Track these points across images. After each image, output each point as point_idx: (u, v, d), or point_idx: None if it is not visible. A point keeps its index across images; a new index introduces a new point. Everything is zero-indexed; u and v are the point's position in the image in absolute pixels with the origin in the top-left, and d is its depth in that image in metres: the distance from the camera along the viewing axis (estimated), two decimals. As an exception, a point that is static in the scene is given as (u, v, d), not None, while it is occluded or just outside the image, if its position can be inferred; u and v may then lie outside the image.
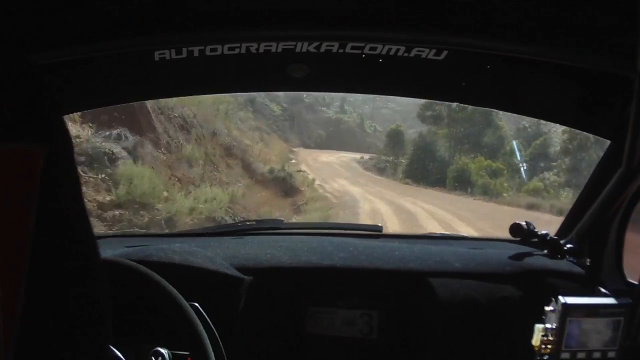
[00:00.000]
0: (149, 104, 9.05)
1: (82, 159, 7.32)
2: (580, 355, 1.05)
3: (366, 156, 24.23)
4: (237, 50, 1.13)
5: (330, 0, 1.02)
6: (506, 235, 1.41)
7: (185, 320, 0.97)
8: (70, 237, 0.45)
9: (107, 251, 1.27)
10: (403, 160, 21.55)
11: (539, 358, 1.07)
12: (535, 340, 1.06)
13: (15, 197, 0.40)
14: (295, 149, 23.33)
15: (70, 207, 0.46)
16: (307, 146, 25.96)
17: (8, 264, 0.40)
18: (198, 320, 0.98)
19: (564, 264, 1.29)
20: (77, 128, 7.68)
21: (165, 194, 8.37)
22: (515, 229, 1.35)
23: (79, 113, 5.95)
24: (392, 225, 10.57)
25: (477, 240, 1.69)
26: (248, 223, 1.63)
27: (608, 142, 1.27)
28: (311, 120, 28.31)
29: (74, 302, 0.45)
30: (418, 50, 1.13)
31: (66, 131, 0.45)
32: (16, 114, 0.42)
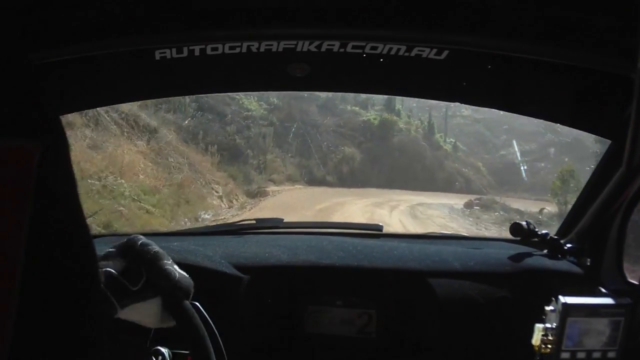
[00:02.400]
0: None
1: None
2: (580, 355, 1.04)
3: (459, 201, 10.72)
4: (237, 50, 1.14)
5: (331, 0, 1.02)
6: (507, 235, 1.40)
7: (185, 319, 0.97)
8: (66, 235, 0.45)
9: (106, 249, 1.26)
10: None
11: (538, 358, 1.07)
12: (535, 340, 1.06)
13: (9, 194, 0.40)
14: (278, 187, 10.92)
15: (66, 205, 0.46)
16: (317, 181, 11.61)
17: (2, 262, 0.40)
18: (199, 319, 0.98)
19: (564, 264, 1.29)
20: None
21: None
22: (515, 228, 1.35)
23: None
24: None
25: (476, 240, 1.68)
26: (248, 222, 1.62)
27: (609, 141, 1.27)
28: (328, 127, 13.46)
29: (69, 300, 0.45)
30: (419, 50, 1.13)
31: (61, 128, 0.45)
32: (11, 110, 0.42)
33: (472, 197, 11.20)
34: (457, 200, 10.90)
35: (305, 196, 10.39)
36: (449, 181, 13.18)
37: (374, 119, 15.09)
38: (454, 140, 15.54)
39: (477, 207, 10.88)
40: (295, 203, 9.78)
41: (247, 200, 10.59)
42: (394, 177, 12.65)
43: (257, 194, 10.86)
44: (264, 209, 9.43)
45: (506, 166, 13.10)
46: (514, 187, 12.05)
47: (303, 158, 12.68)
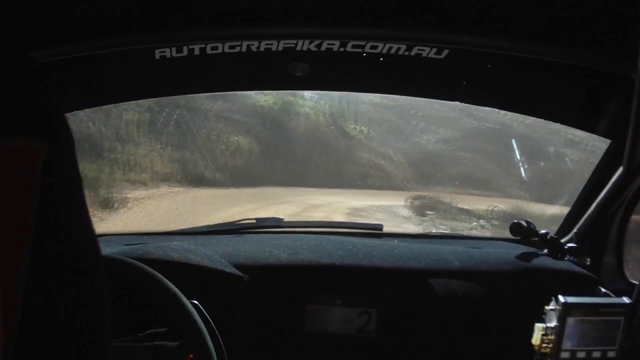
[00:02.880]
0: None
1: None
2: (580, 354, 1.05)
3: (392, 201, 8.35)
4: (237, 49, 1.14)
5: None
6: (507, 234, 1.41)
7: (186, 318, 0.97)
8: (71, 235, 0.45)
9: (107, 249, 1.27)
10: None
11: (538, 357, 1.07)
12: (535, 339, 1.06)
13: (15, 193, 0.40)
14: (146, 192, 6.85)
15: (71, 204, 0.45)
16: (202, 180, 8.04)
17: (8, 262, 0.40)
18: (199, 318, 0.98)
19: (564, 264, 1.29)
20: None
21: None
22: (515, 228, 1.35)
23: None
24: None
25: (476, 239, 1.68)
26: (248, 221, 1.62)
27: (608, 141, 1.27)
28: (218, 113, 9.40)
29: (74, 299, 0.45)
30: (419, 49, 1.13)
31: (67, 128, 0.45)
32: (16, 109, 0.41)
33: (409, 195, 9.00)
34: (392, 201, 8.53)
35: (181, 207, 6.36)
36: (366, 175, 10.39)
37: (274, 103, 11.32)
38: (365, 129, 12.12)
39: (432, 213, 8.56)
40: (157, 223, 5.59)
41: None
42: (301, 173, 9.70)
43: (107, 205, 6.88)
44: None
45: (425, 157, 10.73)
46: (440, 181, 9.78)
47: (185, 151, 9.27)
